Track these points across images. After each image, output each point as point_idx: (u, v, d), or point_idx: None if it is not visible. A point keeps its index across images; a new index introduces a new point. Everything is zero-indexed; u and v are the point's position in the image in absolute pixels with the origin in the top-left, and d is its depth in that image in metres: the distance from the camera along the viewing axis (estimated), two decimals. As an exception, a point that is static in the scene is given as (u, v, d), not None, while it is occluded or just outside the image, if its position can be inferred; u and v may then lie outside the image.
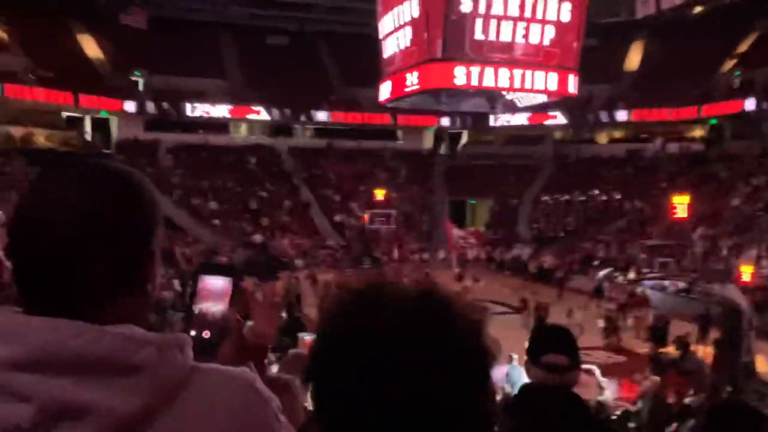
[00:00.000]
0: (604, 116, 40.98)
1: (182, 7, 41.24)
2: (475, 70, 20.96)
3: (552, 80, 22.01)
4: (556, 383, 2.24)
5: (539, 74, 21.61)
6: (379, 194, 36.43)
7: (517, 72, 21.27)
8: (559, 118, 41.75)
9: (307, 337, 14.47)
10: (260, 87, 41.56)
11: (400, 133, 45.44)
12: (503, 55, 21.00)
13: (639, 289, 23.36)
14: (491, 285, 27.73)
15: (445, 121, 43.80)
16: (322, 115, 41.99)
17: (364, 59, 30.02)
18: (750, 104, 33.37)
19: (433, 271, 30.41)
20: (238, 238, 33.06)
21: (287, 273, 27.20)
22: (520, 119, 41.72)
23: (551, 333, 2.42)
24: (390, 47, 22.98)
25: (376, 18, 23.90)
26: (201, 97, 40.12)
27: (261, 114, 41.00)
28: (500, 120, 42.32)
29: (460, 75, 20.95)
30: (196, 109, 39.63)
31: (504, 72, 21.23)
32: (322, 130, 43.58)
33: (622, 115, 40.38)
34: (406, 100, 26.07)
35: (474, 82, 21.42)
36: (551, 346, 2.30)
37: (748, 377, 13.51)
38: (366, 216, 36.07)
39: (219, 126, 41.67)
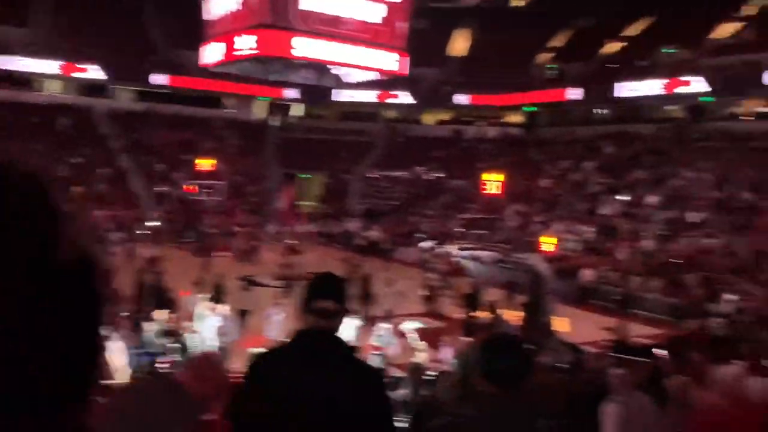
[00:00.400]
0: (434, 98, 42.48)
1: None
2: (314, 42, 20.73)
3: (384, 59, 22.32)
4: (325, 327, 2.37)
5: (372, 52, 21.83)
6: (206, 164, 35.05)
7: (352, 48, 21.31)
8: (401, 98, 42.53)
9: (122, 314, 13.58)
10: (73, 40, 38.18)
11: (229, 102, 43.96)
12: (331, 29, 20.93)
13: (456, 260, 24.62)
14: (321, 257, 27.90)
15: (292, 93, 42.82)
16: (143, 77, 39.43)
17: (190, 20, 28.51)
18: (574, 94, 35.97)
19: (261, 244, 30.01)
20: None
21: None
22: (367, 96, 42.09)
23: (321, 281, 2.48)
24: (215, 7, 21.96)
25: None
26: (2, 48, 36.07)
27: (74, 71, 37.56)
28: (343, 95, 42.17)
29: (299, 46, 20.63)
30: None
31: (341, 47, 21.17)
32: (142, 93, 40.97)
33: (453, 99, 42.09)
34: (235, 66, 25.23)
35: (313, 55, 21.17)
36: (320, 292, 2.40)
37: (547, 335, 14.66)
38: (191, 187, 34.59)
39: (22, 81, 37.77)
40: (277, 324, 13.38)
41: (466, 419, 2.31)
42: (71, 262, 0.67)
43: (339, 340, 2.41)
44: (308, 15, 20.33)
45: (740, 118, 31.75)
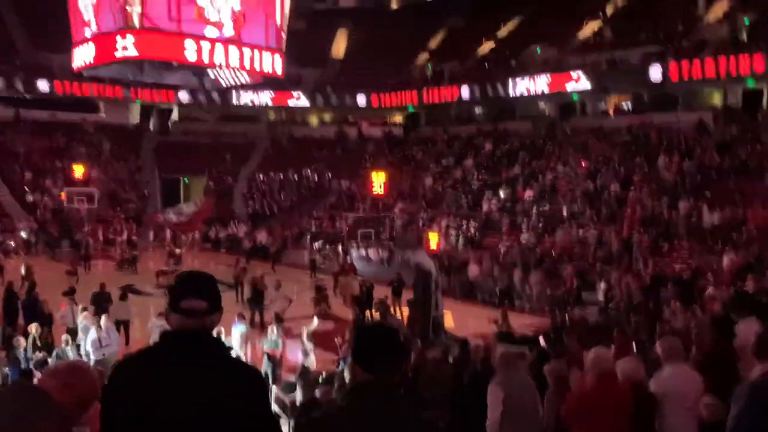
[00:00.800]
0: (317, 99, 42.39)
1: None
2: (188, 42, 20.21)
3: (259, 60, 22.14)
4: (193, 327, 2.20)
5: (247, 52, 21.59)
6: (79, 171, 33.24)
7: (223, 48, 20.99)
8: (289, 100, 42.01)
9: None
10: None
11: (101, 105, 41.87)
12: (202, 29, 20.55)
13: (345, 260, 24.81)
14: (206, 263, 27.26)
15: (183, 96, 41.13)
16: (4, 82, 36.75)
17: (55, 20, 26.94)
18: (465, 92, 36.96)
19: (141, 252, 28.89)
20: None
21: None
22: (250, 97, 41.27)
23: (189, 278, 2.32)
24: (83, 7, 20.93)
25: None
26: None
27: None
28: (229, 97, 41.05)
29: (167, 46, 20.04)
30: None
31: (213, 46, 20.81)
32: (6, 99, 38.21)
33: (331, 99, 42.18)
34: (109, 68, 24.16)
35: (186, 56, 20.64)
36: (187, 291, 2.24)
37: (437, 331, 15.14)
38: (64, 195, 32.69)
39: None
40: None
41: (339, 409, 2.29)
42: None
43: (210, 340, 2.25)
44: (177, 16, 19.97)
45: (606, 114, 33.98)
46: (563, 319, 15.32)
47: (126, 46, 19.76)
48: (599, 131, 31.48)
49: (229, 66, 22.10)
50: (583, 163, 28.95)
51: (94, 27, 20.85)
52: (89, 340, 12.25)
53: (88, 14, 21.00)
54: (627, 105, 33.79)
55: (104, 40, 20.54)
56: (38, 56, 38.57)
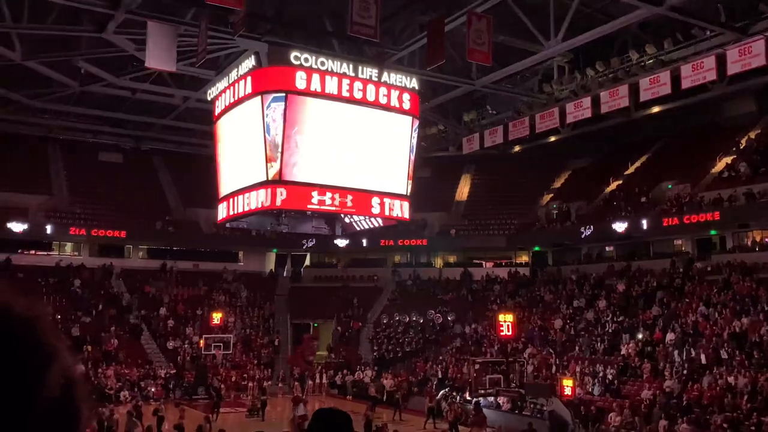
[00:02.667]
0: (439, 242, 43.03)
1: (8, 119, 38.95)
2: (322, 193, 21.53)
3: (390, 206, 23.05)
4: None
5: (375, 199, 22.57)
6: (217, 318, 35.00)
7: (357, 197, 22.06)
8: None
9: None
10: (90, 204, 39.65)
11: (241, 254, 44.71)
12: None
13: (473, 407, 23.78)
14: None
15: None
16: (157, 235, 40.39)
17: (201, 179, 29.72)
18: (580, 232, 36.37)
19: (272, 398, 29.30)
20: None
21: (111, 407, 24.89)
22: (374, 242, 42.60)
23: (327, 417, 2.33)
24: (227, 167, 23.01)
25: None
26: (23, 213, 37.32)
27: (88, 233, 38.52)
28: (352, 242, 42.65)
29: (305, 197, 21.39)
30: (16, 227, 36.44)
31: (344, 195, 21.96)
32: (156, 251, 41.84)
33: (457, 242, 42.62)
34: (245, 220, 25.98)
35: (321, 206, 21.95)
36: (324, 429, 2.29)
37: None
38: (202, 342, 34.32)
39: (41, 244, 38.81)
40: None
41: None
42: (56, 398, 0.77)
43: None
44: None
45: (748, 248, 31.81)
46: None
47: (264, 198, 21.25)
48: (743, 268, 29.38)
49: (361, 213, 23.15)
50: (727, 302, 26.88)
51: (237, 184, 22.73)
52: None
53: (232, 171, 23.05)
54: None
55: (245, 194, 22.24)
56: (186, 212, 42.33)
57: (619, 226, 34.22)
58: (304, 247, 42.53)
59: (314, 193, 21.36)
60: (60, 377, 0.78)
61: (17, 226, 35.96)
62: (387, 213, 23.34)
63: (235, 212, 22.93)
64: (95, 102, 37.40)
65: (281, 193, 20.97)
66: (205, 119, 27.63)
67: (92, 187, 40.22)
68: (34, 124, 39.59)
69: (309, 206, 21.98)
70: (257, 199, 21.35)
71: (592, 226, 35.39)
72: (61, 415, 0.79)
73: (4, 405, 0.72)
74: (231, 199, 22.98)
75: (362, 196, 22.23)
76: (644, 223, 33.27)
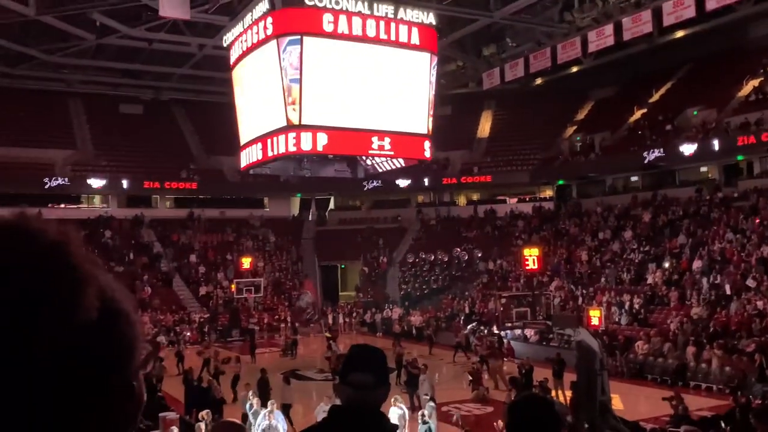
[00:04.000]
0: (462, 179, 42.95)
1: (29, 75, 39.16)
2: (342, 136, 21.52)
3: (411, 146, 23.00)
4: (360, 401, 2.27)
5: (397, 140, 22.50)
6: (246, 263, 35.65)
7: (378, 138, 22.00)
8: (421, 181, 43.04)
9: (169, 416, 13.70)
10: (115, 156, 40.09)
11: (266, 200, 45.16)
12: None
13: (500, 340, 24.24)
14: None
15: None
16: (181, 184, 40.86)
17: (223, 127, 29.81)
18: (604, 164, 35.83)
19: (304, 337, 30.06)
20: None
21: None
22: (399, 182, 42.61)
23: (358, 353, 2.40)
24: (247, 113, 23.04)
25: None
26: (50, 168, 37.94)
27: (116, 184, 39.14)
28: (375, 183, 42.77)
29: (323, 141, 21.38)
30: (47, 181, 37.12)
31: (366, 138, 21.91)
32: (183, 200, 42.41)
33: (478, 178, 42.51)
34: (269, 166, 26.13)
35: (341, 149, 21.99)
36: (357, 365, 2.32)
37: (604, 415, 14.21)
38: (233, 286, 35.09)
39: (68, 197, 39.54)
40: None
41: None
42: (94, 320, 0.76)
43: (374, 417, 2.29)
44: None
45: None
46: (747, 399, 13.83)
47: (285, 144, 21.31)
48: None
49: (383, 155, 23.14)
50: (755, 227, 26.69)
51: (258, 131, 22.79)
52: (258, 425, 12.83)
53: (252, 118, 23.09)
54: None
55: (263, 141, 22.34)
56: (210, 160, 42.65)
57: (647, 155, 33.70)
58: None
59: (335, 137, 21.36)
60: (96, 299, 0.76)
61: (47, 181, 36.66)
62: (408, 153, 23.33)
63: (258, 159, 23.08)
64: (113, 54, 37.45)
65: (302, 138, 21.00)
66: (222, 66, 27.50)
67: (115, 140, 40.54)
68: (54, 79, 39.85)
69: (330, 150, 22.03)
70: (278, 145, 21.41)
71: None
72: (104, 339, 0.77)
73: (35, 328, 0.71)
74: (253, 146, 23.09)
75: (383, 137, 22.18)
76: (669, 150, 32.73)
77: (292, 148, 21.33)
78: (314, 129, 21.06)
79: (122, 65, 38.86)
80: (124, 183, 39.18)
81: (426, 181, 42.82)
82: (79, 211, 39.28)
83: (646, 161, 33.23)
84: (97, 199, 41.37)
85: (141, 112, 43.58)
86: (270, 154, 22.01)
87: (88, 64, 38.12)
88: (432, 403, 13.90)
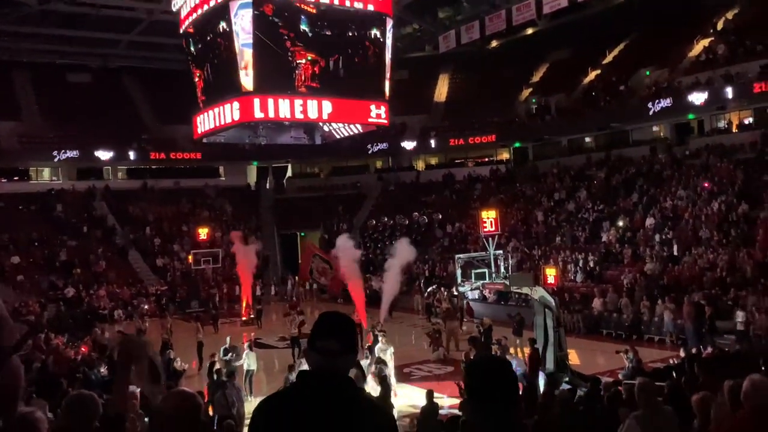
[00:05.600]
0: (420, 144, 42.85)
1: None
2: (297, 102, 21.16)
3: (368, 111, 22.75)
4: (328, 368, 2.32)
5: (350, 105, 22.24)
6: (203, 233, 35.17)
7: (335, 104, 21.71)
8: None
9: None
10: (62, 127, 38.83)
11: (221, 169, 44.44)
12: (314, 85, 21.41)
13: (460, 301, 24.53)
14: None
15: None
16: (134, 155, 39.87)
17: (175, 94, 29.09)
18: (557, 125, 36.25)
19: (265, 305, 29.95)
20: (46, 294, 30.27)
21: (104, 326, 25.38)
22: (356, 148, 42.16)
23: (327, 320, 2.42)
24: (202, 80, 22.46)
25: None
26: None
27: (64, 156, 37.95)
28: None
29: (281, 108, 21.02)
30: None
31: (319, 104, 21.60)
32: (135, 171, 41.44)
33: (435, 143, 42.47)
34: (223, 134, 25.62)
35: (296, 115, 21.62)
36: (324, 331, 2.36)
37: (562, 369, 14.56)
38: (190, 257, 34.62)
39: (16, 171, 38.28)
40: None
41: None
42: None
43: (342, 380, 2.35)
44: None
45: (726, 131, 31.98)
46: (698, 350, 14.30)
47: (239, 111, 20.88)
48: (720, 150, 29.71)
49: (337, 120, 22.86)
50: (705, 184, 27.36)
51: (211, 97, 22.26)
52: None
53: (205, 84, 22.51)
54: (748, 120, 31.66)
55: (219, 108, 21.84)
56: (163, 129, 41.66)
57: (600, 117, 34.02)
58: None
59: (290, 103, 21.01)
60: None
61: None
62: (366, 118, 23.08)
63: (212, 127, 22.58)
64: (58, 21, 36.05)
65: (256, 104, 20.59)
66: (173, 32, 26.67)
67: (63, 110, 39.20)
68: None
69: (285, 117, 21.67)
70: (232, 112, 20.97)
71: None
72: None
73: None
74: (206, 113, 22.56)
75: (340, 103, 21.89)
76: (623, 111, 33.03)
77: (245, 115, 20.95)
78: (267, 96, 20.66)
79: (68, 32, 37.45)
80: (74, 154, 38.04)
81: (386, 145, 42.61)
82: (28, 185, 38.08)
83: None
84: (46, 172, 40.16)
85: (90, 80, 42.21)
86: (223, 121, 21.55)
87: (33, 31, 36.63)
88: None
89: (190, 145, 38.06)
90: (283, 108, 21.19)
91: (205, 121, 22.77)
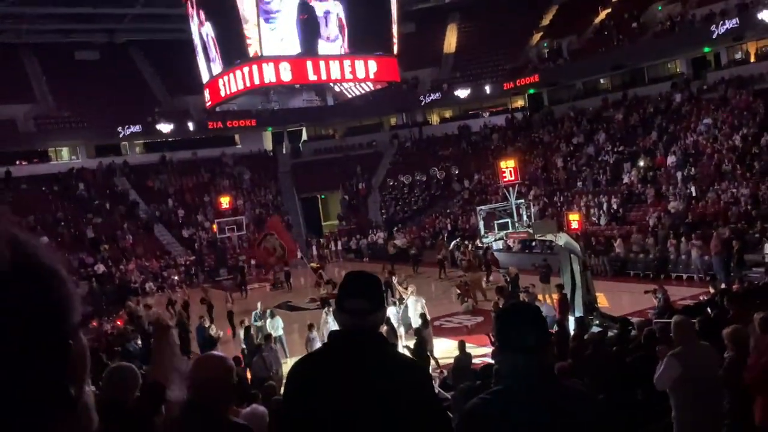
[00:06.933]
0: (432, 97, 42.41)
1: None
2: (303, 64, 21.03)
3: (378, 68, 22.54)
4: (358, 327, 2.31)
5: (359, 63, 22.06)
6: (225, 202, 35.43)
7: (338, 63, 21.55)
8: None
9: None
10: (75, 106, 38.94)
11: (237, 137, 44.50)
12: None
13: (485, 253, 24.60)
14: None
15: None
16: (150, 129, 39.96)
17: (184, 66, 28.98)
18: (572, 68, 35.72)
19: (293, 269, 30.31)
20: (77, 272, 30.82)
21: (137, 299, 25.90)
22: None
23: (353, 280, 2.43)
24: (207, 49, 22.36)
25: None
26: (12, 125, 36.88)
27: (82, 135, 38.18)
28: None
29: (286, 71, 20.91)
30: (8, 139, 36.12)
31: (328, 64, 21.44)
32: (152, 144, 41.64)
33: (449, 95, 41.97)
34: (236, 101, 25.58)
35: (306, 77, 21.50)
36: (353, 292, 2.36)
37: (591, 313, 14.67)
38: (215, 227, 34.95)
39: (35, 153, 38.66)
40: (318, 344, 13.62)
41: (496, 393, 2.23)
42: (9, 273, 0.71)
43: (373, 338, 2.35)
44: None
45: (743, 62, 31.22)
46: (727, 284, 14.30)
47: (249, 77, 20.82)
48: (738, 81, 29.10)
49: (346, 79, 22.70)
50: (724, 118, 26.90)
51: (218, 67, 22.18)
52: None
53: (212, 53, 22.40)
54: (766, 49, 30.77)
55: (230, 74, 21.77)
56: (174, 101, 41.66)
57: (615, 57, 33.32)
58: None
59: (299, 66, 20.89)
60: (6, 249, 0.72)
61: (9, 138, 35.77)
62: (373, 75, 22.87)
63: (223, 95, 22.56)
64: (61, -1, 35.91)
65: (264, 69, 20.52)
66: (176, 2, 26.44)
67: (75, 89, 39.24)
68: (3, 31, 38.23)
69: (295, 79, 21.56)
70: (242, 79, 20.93)
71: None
72: (24, 294, 0.73)
73: None
74: (216, 82, 22.52)
75: (349, 61, 21.72)
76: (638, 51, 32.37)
77: (256, 81, 20.89)
78: (276, 59, 20.56)
79: (72, 10, 37.29)
80: (94, 132, 38.32)
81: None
82: (49, 166, 38.48)
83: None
84: (65, 152, 40.48)
85: (98, 57, 42.15)
86: (234, 89, 21.53)
87: (36, 11, 36.53)
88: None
89: (203, 115, 38.07)
90: (292, 71, 21.14)
91: (217, 90, 22.79)
